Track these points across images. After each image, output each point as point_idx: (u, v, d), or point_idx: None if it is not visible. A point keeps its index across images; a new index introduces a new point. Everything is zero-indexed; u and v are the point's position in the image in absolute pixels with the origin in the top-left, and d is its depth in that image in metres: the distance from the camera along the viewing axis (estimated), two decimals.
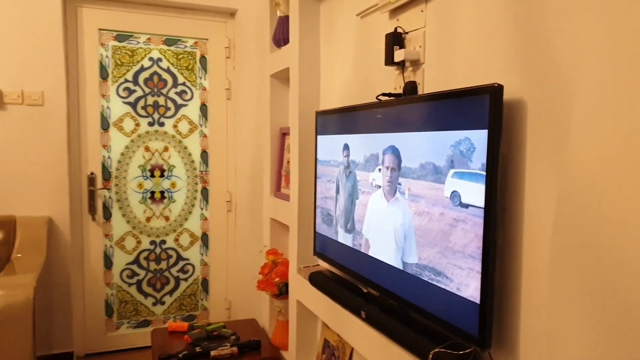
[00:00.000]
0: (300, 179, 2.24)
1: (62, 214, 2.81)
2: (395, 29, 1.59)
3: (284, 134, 2.70)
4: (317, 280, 1.97)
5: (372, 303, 1.61)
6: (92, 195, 2.95)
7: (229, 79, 3.23)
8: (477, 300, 1.12)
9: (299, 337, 2.28)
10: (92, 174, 2.95)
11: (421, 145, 1.32)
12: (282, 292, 2.42)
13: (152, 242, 3.13)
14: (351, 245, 1.73)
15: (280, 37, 2.52)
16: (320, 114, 2.00)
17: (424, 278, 1.31)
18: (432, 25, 1.47)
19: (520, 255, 1.14)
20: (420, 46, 1.51)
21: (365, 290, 1.74)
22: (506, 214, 1.18)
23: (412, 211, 1.36)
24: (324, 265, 2.18)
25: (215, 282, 3.28)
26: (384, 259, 1.51)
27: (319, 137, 2.01)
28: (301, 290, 2.19)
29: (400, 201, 1.41)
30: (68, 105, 2.83)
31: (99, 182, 2.99)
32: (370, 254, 1.60)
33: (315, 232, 2.06)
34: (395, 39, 1.58)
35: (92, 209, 2.96)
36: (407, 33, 1.58)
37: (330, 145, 1.90)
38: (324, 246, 1.98)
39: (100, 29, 2.94)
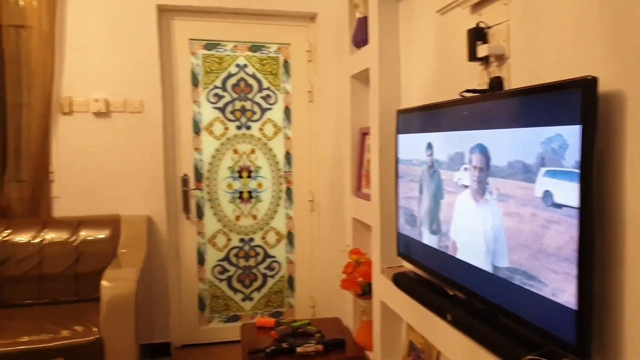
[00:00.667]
0: (381, 179, 2.24)
1: (159, 213, 3.03)
2: (478, 23, 1.53)
3: (364, 133, 2.71)
4: (401, 281, 1.95)
5: (459, 306, 1.57)
6: (186, 195, 3.15)
7: (311, 82, 3.29)
8: (574, 306, 1.06)
9: (384, 338, 2.28)
10: (185, 175, 3.14)
11: (509, 143, 1.27)
12: (365, 291, 2.43)
13: (241, 240, 3.28)
14: (437, 247, 1.70)
15: (360, 38, 2.53)
16: (401, 113, 1.98)
17: (515, 282, 1.26)
18: (517, 18, 1.40)
19: (622, 258, 1.06)
20: (504, 40, 1.45)
21: (451, 293, 1.70)
22: (605, 214, 1.10)
23: (501, 212, 1.31)
24: (407, 266, 2.16)
25: (300, 280, 3.36)
26: (472, 262, 1.47)
27: (399, 136, 1.99)
28: (385, 291, 2.19)
29: (490, 202, 1.37)
30: (164, 111, 3.05)
31: (192, 183, 3.18)
32: (457, 256, 1.56)
33: (398, 232, 2.04)
34: (477, 34, 1.53)
35: (186, 208, 3.16)
36: (489, 27, 1.52)
37: (411, 144, 1.88)
38: (407, 247, 1.96)
39: (190, 39, 3.13)
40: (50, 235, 2.72)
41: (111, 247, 2.77)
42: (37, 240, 2.69)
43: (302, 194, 3.34)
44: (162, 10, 3.05)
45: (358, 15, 2.58)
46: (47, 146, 2.85)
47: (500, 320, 1.40)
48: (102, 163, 2.95)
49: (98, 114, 2.93)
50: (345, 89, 2.86)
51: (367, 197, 2.50)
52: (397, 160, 2.03)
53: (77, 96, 2.90)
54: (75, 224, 2.79)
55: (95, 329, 2.30)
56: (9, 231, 2.68)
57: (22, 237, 2.68)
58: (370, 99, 2.36)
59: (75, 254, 2.71)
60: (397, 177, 2.04)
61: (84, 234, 2.77)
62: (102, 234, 2.79)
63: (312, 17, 3.25)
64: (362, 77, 2.66)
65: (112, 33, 2.93)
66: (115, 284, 2.32)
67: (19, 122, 2.84)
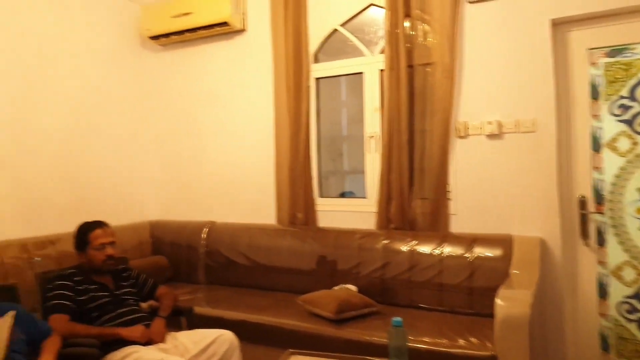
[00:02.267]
0: None
1: (552, 236, 2.86)
2: None
3: None
4: None
5: None
6: (583, 219, 2.86)
7: None
8: None
9: None
10: (582, 196, 2.86)
11: None
12: None
13: None
14: None
15: None
16: None
17: None
18: None
19: None
20: None
21: None
22: None
23: None
24: None
25: None
26: None
27: None
28: None
29: None
30: (557, 129, 2.88)
31: (591, 206, 2.86)
32: None
33: None
34: None
35: (584, 234, 2.86)
36: None
37: None
38: None
39: (589, 49, 2.87)
40: (447, 249, 2.96)
41: (503, 266, 2.78)
42: (437, 252, 2.97)
43: None
44: (557, 24, 2.92)
45: None
46: (445, 167, 3.14)
47: None
48: (493, 183, 3.03)
49: (490, 136, 3.04)
50: None
51: None
52: None
53: (472, 120, 3.09)
54: (469, 241, 2.94)
55: (489, 345, 2.34)
56: (415, 241, 3.07)
57: (425, 248, 3.02)
58: None
59: (470, 268, 2.85)
60: None
61: (478, 250, 2.88)
62: (494, 253, 2.84)
63: None
64: None
65: (504, 57, 2.99)
66: (509, 303, 2.30)
67: (422, 146, 3.25)
